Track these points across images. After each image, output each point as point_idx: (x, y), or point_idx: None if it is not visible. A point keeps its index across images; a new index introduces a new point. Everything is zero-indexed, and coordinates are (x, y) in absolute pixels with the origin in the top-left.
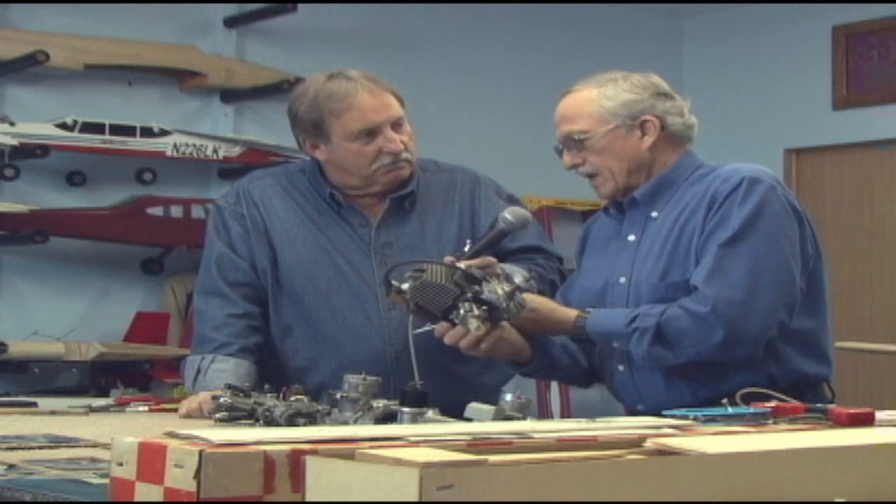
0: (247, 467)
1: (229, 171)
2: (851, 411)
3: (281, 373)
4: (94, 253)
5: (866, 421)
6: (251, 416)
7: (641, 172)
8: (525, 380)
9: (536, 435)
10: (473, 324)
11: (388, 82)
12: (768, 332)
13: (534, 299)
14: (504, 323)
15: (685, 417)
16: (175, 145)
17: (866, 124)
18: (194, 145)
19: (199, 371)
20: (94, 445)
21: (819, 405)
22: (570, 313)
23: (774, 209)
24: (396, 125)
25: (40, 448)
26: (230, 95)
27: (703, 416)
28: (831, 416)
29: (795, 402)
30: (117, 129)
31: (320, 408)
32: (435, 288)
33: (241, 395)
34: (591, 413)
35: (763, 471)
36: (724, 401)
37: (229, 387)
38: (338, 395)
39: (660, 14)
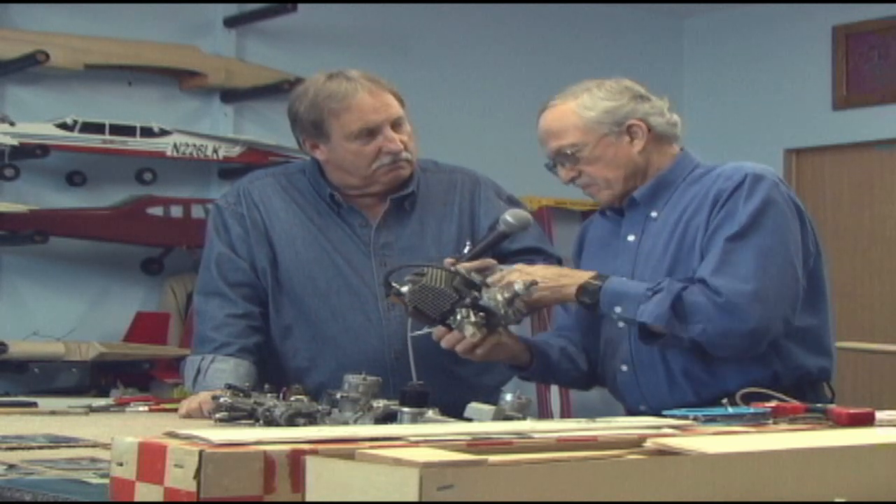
0: (247, 467)
1: (229, 171)
2: (851, 411)
3: (281, 373)
4: (94, 253)
5: (866, 421)
6: (251, 416)
7: (637, 177)
8: (525, 380)
9: (536, 435)
10: (469, 330)
11: (388, 82)
12: (773, 327)
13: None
14: (501, 328)
15: (685, 417)
16: (175, 145)
17: (866, 124)
18: (194, 145)
19: (199, 371)
20: (94, 445)
21: (819, 405)
22: (585, 274)
23: (779, 205)
24: (396, 125)
25: (40, 448)
26: (230, 95)
27: (703, 416)
28: (831, 416)
29: (795, 402)
30: (117, 129)
31: (320, 408)
32: (434, 292)
33: (241, 395)
34: (591, 413)
35: (763, 471)
36: (724, 401)
37: (229, 387)
38: (338, 395)
39: (660, 14)
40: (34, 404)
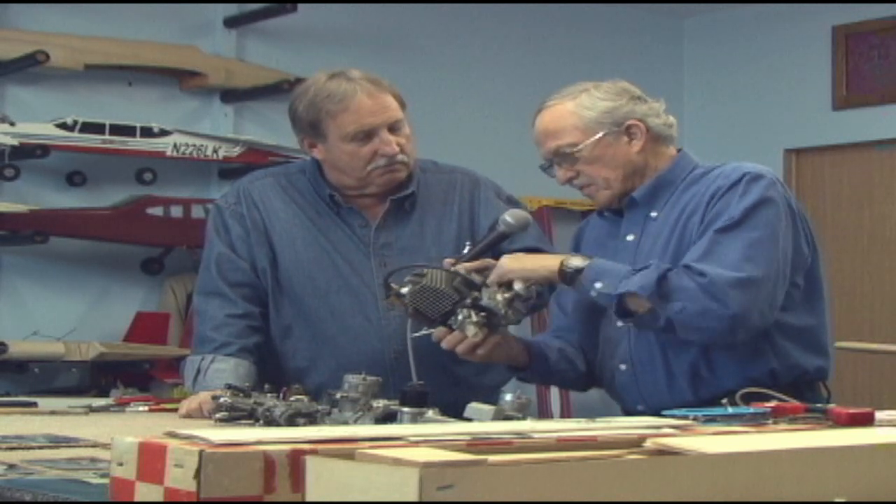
0: (247, 467)
1: (229, 171)
2: (851, 411)
3: (281, 373)
4: (94, 253)
5: (866, 421)
6: (251, 416)
7: (636, 177)
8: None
9: (536, 435)
10: (471, 330)
11: (389, 84)
12: (751, 317)
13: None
14: (501, 329)
15: (685, 417)
16: (175, 145)
17: (866, 124)
18: (194, 145)
19: (198, 371)
20: (94, 445)
21: (819, 405)
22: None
23: (774, 203)
24: (393, 128)
25: (40, 448)
26: (230, 95)
27: (703, 416)
28: (831, 416)
29: (795, 402)
30: (117, 129)
31: (320, 408)
32: (434, 293)
33: (241, 395)
34: (591, 413)
35: (763, 471)
36: (724, 401)
37: (229, 387)
38: (338, 395)
39: (660, 14)
40: (34, 404)
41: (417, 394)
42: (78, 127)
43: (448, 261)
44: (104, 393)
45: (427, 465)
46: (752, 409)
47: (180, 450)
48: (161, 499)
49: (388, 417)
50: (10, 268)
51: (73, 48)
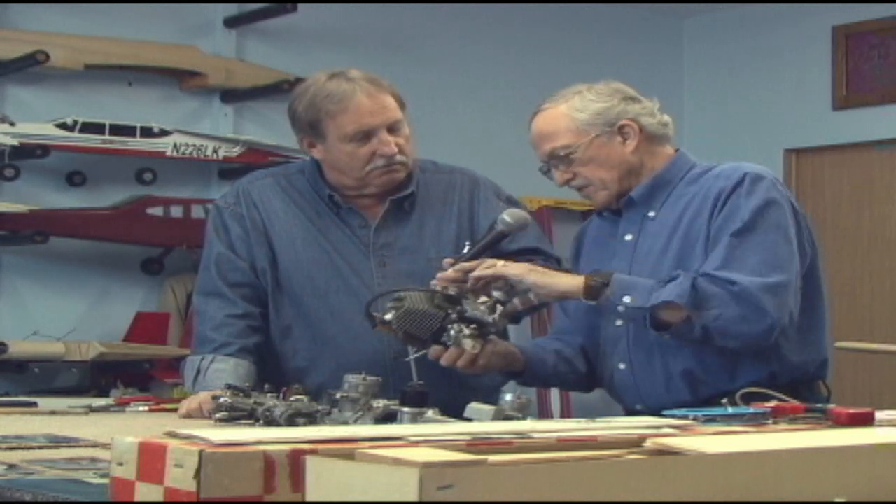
0: (247, 467)
1: (229, 171)
2: (851, 411)
3: (280, 373)
4: (94, 253)
5: (866, 421)
6: (251, 416)
7: (632, 176)
8: None
9: (536, 435)
10: (468, 343)
11: (389, 84)
12: (783, 320)
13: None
14: (493, 336)
15: (685, 417)
16: (175, 145)
17: (866, 124)
18: (194, 145)
19: (198, 371)
20: (94, 445)
21: (819, 405)
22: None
23: (779, 203)
24: (393, 128)
25: (40, 448)
26: (230, 95)
27: (703, 416)
28: (831, 416)
29: (795, 402)
30: (117, 129)
31: (320, 408)
32: (419, 314)
33: (241, 395)
34: (591, 413)
35: (763, 471)
36: (724, 401)
37: (229, 387)
38: (338, 395)
39: (660, 14)
40: (34, 404)
41: (417, 394)
42: (78, 127)
43: (447, 261)
44: (104, 393)
45: (427, 465)
46: (752, 409)
47: (180, 450)
48: (161, 499)
49: (388, 417)
50: (10, 268)
51: (73, 48)
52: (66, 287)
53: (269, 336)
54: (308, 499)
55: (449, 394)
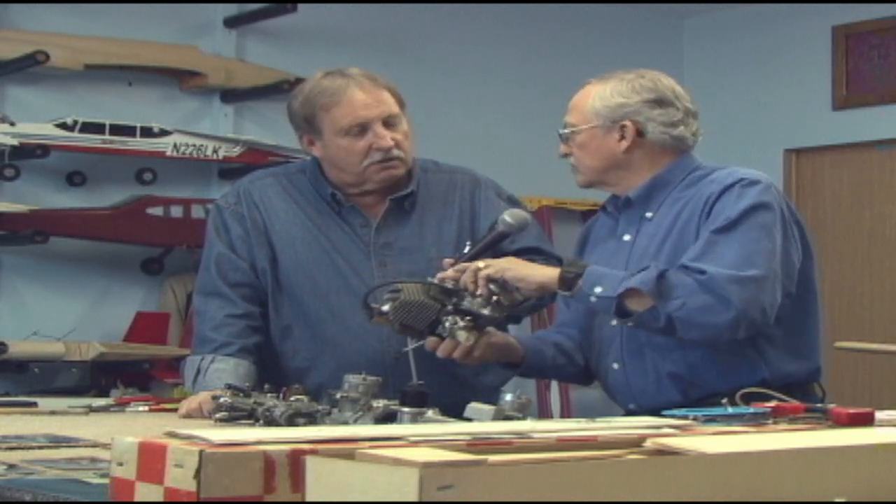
0: (247, 467)
1: (229, 171)
2: (851, 411)
3: (281, 373)
4: (94, 253)
5: (866, 421)
6: (251, 416)
7: (618, 171)
8: (525, 380)
9: (536, 435)
10: (462, 335)
11: (386, 81)
12: (751, 314)
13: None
14: (489, 328)
15: (685, 417)
16: (175, 145)
17: (866, 124)
18: (194, 145)
19: (198, 371)
20: (94, 445)
21: (819, 405)
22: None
23: (769, 207)
24: (389, 123)
25: (40, 448)
26: (230, 95)
27: (703, 416)
28: (831, 416)
29: (795, 402)
30: (117, 129)
31: (320, 408)
32: (416, 305)
33: (241, 395)
34: (591, 413)
35: (763, 471)
36: (724, 401)
37: (229, 387)
38: (338, 395)
39: (660, 14)
40: (34, 404)
41: (417, 394)
42: (78, 127)
43: (447, 261)
44: (104, 393)
45: (427, 465)
46: (752, 409)
47: (180, 450)
48: (161, 499)
49: (388, 417)
50: (10, 268)
51: (73, 48)
52: (66, 287)
53: (269, 336)
54: (308, 499)
55: (449, 394)
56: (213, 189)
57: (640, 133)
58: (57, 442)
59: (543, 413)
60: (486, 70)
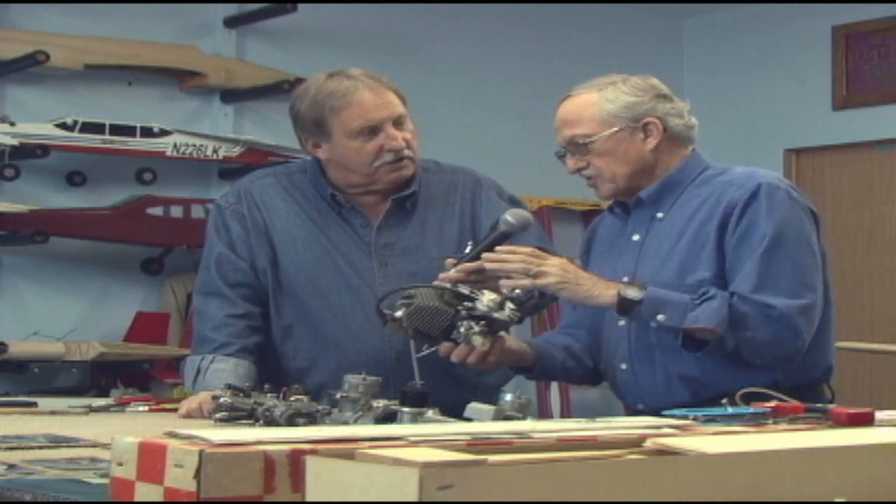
0: (247, 467)
1: (229, 171)
2: (851, 411)
3: (281, 373)
4: (94, 253)
5: (866, 421)
6: (251, 416)
7: (644, 175)
8: (525, 380)
9: (536, 435)
10: (478, 340)
11: (389, 81)
12: (811, 337)
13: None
14: (503, 333)
15: (685, 417)
16: (175, 145)
17: (866, 124)
18: (194, 145)
19: (198, 371)
20: (94, 445)
21: (819, 405)
22: (602, 280)
23: (799, 215)
24: (398, 123)
25: (40, 448)
26: (230, 95)
27: (703, 416)
28: (831, 416)
29: (795, 402)
30: (117, 129)
31: (320, 408)
32: (430, 311)
33: (241, 395)
34: (591, 413)
35: (763, 471)
36: (724, 401)
37: (229, 387)
38: (338, 395)
39: (660, 14)
40: (34, 404)
41: (417, 394)
42: (78, 127)
43: (450, 261)
44: (104, 393)
45: (427, 465)
46: (752, 409)
47: (180, 450)
48: (161, 499)
49: (388, 417)
50: (10, 268)
51: (73, 48)
52: (66, 287)
53: (269, 336)
54: (308, 499)
55: (449, 394)
56: (213, 189)
57: (664, 129)
58: (57, 442)
59: (543, 413)
60: (486, 70)
